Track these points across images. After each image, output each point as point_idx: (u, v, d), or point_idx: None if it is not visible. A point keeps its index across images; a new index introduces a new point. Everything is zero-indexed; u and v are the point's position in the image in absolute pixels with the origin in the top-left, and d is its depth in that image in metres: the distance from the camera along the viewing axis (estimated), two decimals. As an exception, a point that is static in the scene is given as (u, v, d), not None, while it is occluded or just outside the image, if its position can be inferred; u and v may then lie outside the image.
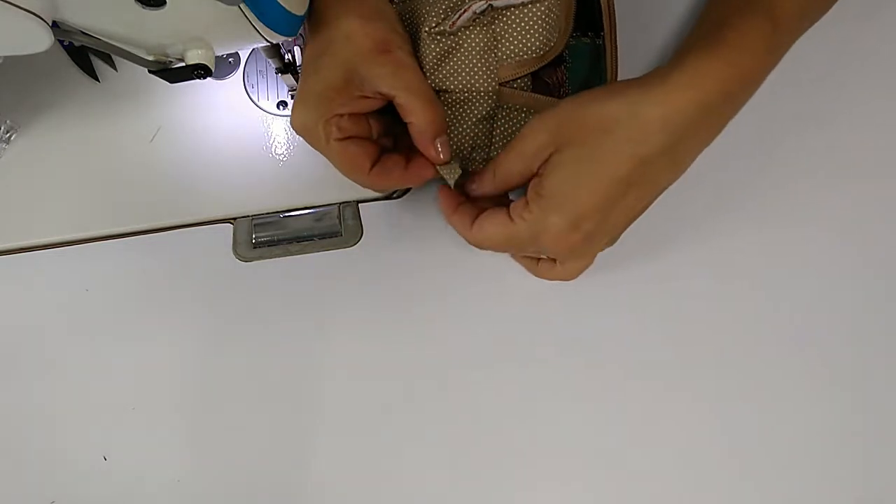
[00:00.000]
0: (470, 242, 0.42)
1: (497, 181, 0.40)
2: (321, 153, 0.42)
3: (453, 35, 0.41)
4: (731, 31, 0.37)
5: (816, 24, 0.42)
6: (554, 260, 0.42)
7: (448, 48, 0.42)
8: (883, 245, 0.44)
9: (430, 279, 0.47)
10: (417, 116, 0.40)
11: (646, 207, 0.40)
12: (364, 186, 0.43)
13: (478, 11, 0.41)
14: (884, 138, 0.46)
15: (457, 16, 0.41)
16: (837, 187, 0.46)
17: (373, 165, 0.41)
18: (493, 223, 0.40)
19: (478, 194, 0.42)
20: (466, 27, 0.42)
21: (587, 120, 0.36)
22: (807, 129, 0.47)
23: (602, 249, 0.42)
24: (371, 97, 0.41)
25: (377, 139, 0.43)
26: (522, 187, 0.40)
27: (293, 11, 0.38)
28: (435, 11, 0.42)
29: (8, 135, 0.54)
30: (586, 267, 0.43)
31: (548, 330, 0.45)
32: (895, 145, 0.46)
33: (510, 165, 0.39)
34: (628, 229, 0.40)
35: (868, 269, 0.44)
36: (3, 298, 0.51)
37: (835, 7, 0.42)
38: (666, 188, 0.39)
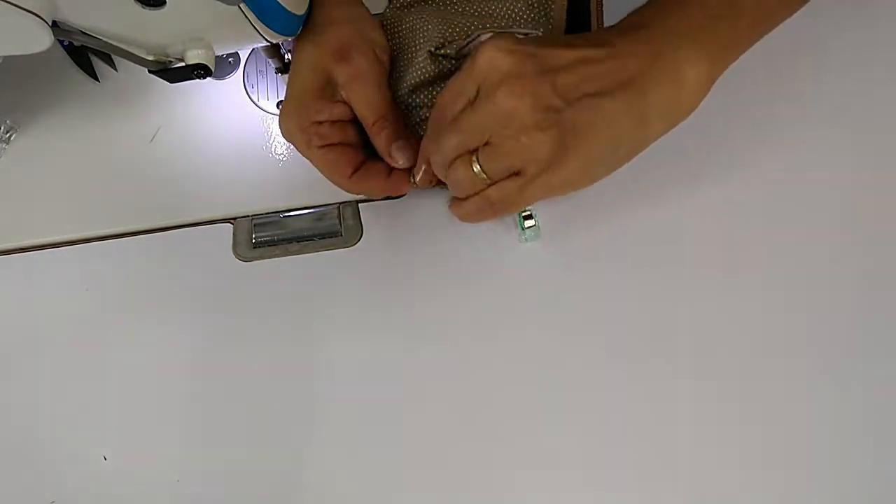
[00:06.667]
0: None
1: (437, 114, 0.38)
2: (306, 158, 0.42)
3: (457, 61, 0.41)
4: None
5: (810, 13, 0.42)
6: (512, 176, 0.37)
7: (449, 71, 0.42)
8: (887, 241, 0.44)
9: (430, 279, 0.47)
10: (368, 126, 0.41)
11: (611, 141, 0.36)
12: (347, 191, 0.44)
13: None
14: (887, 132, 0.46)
15: (465, 42, 0.41)
16: (842, 184, 0.46)
17: (354, 171, 0.42)
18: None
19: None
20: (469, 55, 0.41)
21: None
22: (809, 127, 0.47)
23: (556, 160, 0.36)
24: (344, 102, 0.41)
25: (362, 147, 0.43)
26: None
27: (293, 11, 0.38)
28: (440, 31, 0.42)
29: (8, 135, 0.54)
30: (545, 194, 0.39)
31: (551, 330, 0.45)
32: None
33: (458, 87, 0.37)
34: (630, 226, 0.40)
35: (870, 266, 0.44)
36: (3, 298, 0.51)
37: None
38: (626, 137, 0.37)
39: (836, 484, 0.40)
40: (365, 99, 0.41)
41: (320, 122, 0.41)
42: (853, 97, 0.47)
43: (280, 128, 0.42)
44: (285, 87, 0.42)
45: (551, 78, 0.34)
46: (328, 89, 0.41)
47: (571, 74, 0.35)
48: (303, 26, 0.41)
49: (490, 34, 0.41)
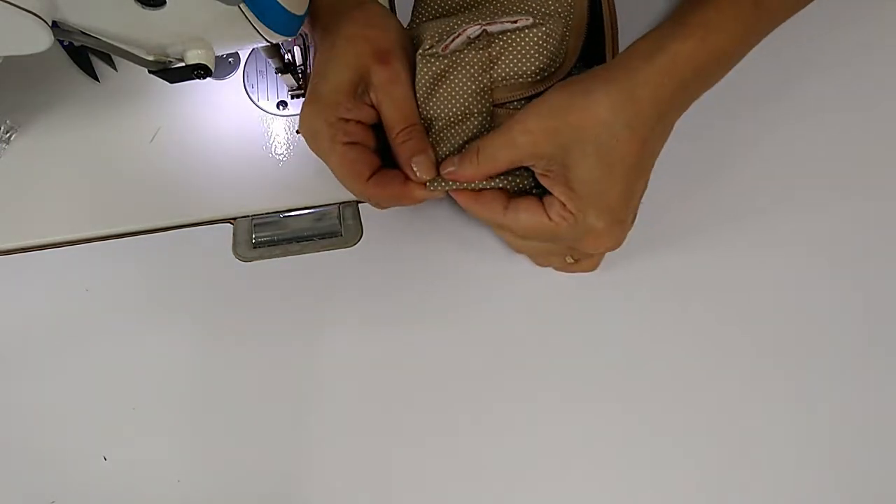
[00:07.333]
0: (499, 227, 0.41)
1: (481, 167, 0.39)
2: (322, 157, 0.42)
3: (445, 58, 0.41)
4: (708, 11, 0.38)
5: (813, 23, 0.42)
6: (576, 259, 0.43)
7: (441, 71, 0.41)
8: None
9: (430, 279, 0.47)
10: (394, 134, 0.41)
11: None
12: (360, 196, 0.43)
13: (472, 36, 0.41)
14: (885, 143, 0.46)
15: (450, 39, 0.41)
16: (846, 189, 0.46)
17: (371, 175, 0.41)
18: (528, 215, 0.39)
19: (454, 178, 0.41)
20: (460, 51, 0.41)
21: (584, 112, 0.37)
22: (809, 132, 0.47)
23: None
24: (372, 106, 0.41)
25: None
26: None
27: (293, 11, 0.38)
28: (430, 34, 0.41)
29: (8, 135, 0.54)
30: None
31: (549, 330, 0.45)
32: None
33: (500, 155, 0.39)
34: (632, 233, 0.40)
35: (870, 270, 0.44)
36: (3, 298, 0.51)
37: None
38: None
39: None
40: (396, 104, 0.40)
41: (346, 120, 0.41)
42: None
43: (301, 121, 0.41)
44: (309, 87, 0.41)
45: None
46: (360, 89, 0.41)
47: (639, 199, 0.40)
48: (322, 30, 0.41)
49: (474, 27, 0.41)
